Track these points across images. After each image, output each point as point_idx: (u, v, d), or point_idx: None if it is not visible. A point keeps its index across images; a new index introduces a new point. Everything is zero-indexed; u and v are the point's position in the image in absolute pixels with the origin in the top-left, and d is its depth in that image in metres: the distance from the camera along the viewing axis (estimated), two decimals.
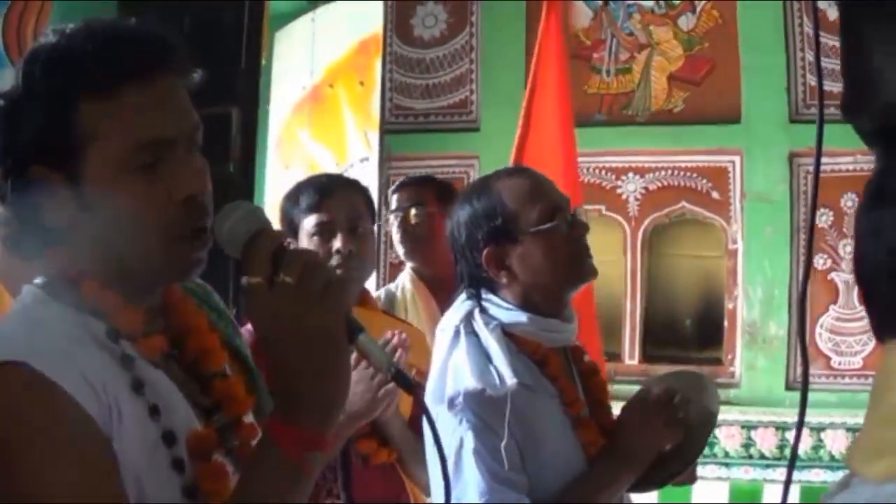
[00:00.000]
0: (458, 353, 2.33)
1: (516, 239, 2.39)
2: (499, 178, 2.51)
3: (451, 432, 2.25)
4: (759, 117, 5.67)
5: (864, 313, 1.00)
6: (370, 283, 4.97)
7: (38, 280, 1.46)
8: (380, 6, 5.84)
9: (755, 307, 5.66)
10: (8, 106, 1.40)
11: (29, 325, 1.40)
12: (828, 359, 5.53)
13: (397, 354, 2.47)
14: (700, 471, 2.67)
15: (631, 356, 5.90)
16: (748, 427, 5.51)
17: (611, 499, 2.38)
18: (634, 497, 2.56)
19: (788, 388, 5.55)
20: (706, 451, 2.54)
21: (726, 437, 5.50)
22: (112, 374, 1.37)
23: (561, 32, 4.82)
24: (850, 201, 5.39)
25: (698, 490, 5.19)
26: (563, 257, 2.40)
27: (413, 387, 1.46)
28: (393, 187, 4.20)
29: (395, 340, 2.46)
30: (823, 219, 5.49)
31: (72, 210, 1.39)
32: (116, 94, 1.37)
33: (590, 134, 5.93)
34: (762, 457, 5.50)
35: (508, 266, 2.40)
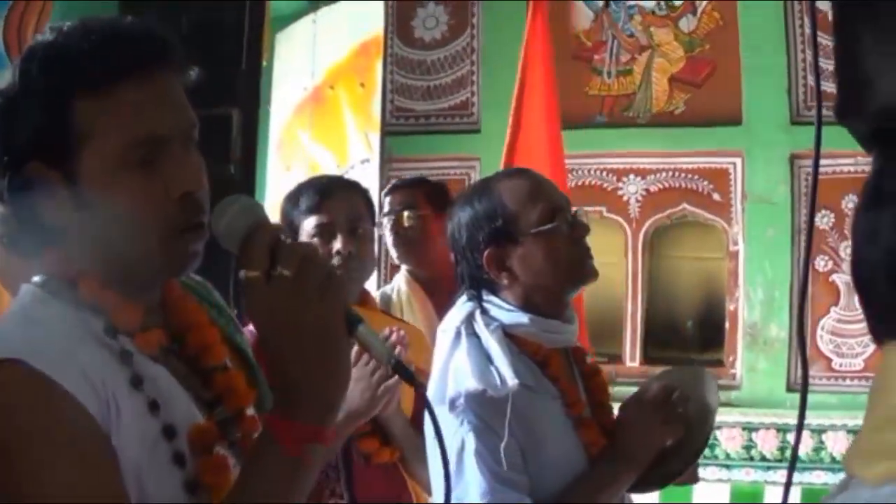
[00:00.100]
0: (460, 355, 2.33)
1: (517, 240, 2.39)
2: (499, 180, 2.51)
3: (453, 433, 2.25)
4: (760, 119, 5.67)
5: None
6: (370, 284, 4.98)
7: (36, 278, 1.46)
8: (381, 8, 5.84)
9: (756, 309, 5.66)
10: (5, 104, 1.40)
11: (27, 323, 1.41)
12: (829, 360, 5.53)
13: (396, 350, 2.47)
14: (701, 472, 2.67)
15: (632, 358, 5.90)
16: (749, 429, 5.51)
17: (611, 499, 2.38)
18: (636, 497, 2.56)
19: (789, 389, 5.55)
20: (707, 452, 2.54)
21: (727, 439, 5.50)
22: (111, 370, 1.37)
23: (547, 33, 4.84)
24: (850, 203, 5.39)
25: (699, 491, 5.19)
26: (563, 258, 2.40)
27: (414, 378, 1.45)
28: (385, 190, 4.20)
29: (393, 337, 2.46)
30: (824, 220, 5.49)
31: (69, 207, 1.40)
32: (113, 92, 1.38)
33: (591, 135, 5.94)
34: (763, 458, 5.50)
35: (509, 267, 2.40)
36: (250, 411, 1.54)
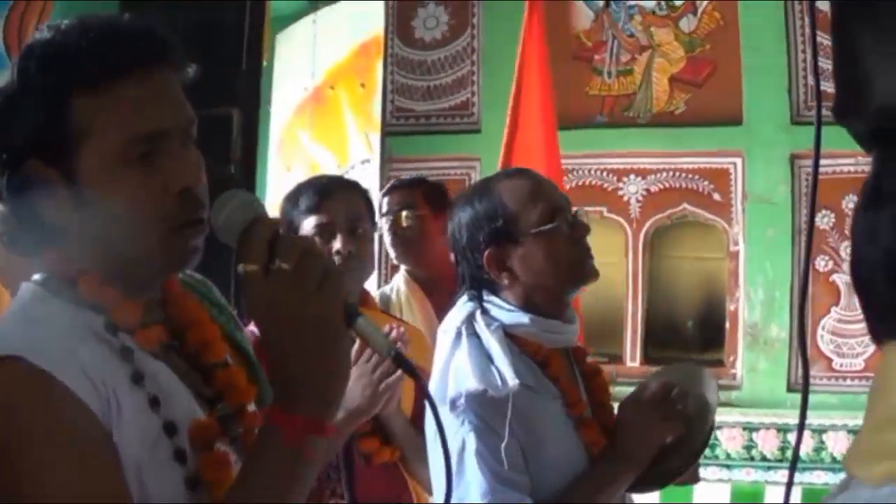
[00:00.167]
0: (460, 355, 2.33)
1: (517, 240, 2.39)
2: (499, 180, 2.51)
3: (454, 433, 2.25)
4: (761, 119, 5.67)
5: None
6: (371, 285, 4.98)
7: (36, 276, 1.46)
8: (381, 8, 5.84)
9: (756, 309, 5.66)
10: (3, 102, 1.41)
11: (27, 321, 1.41)
12: (829, 360, 5.53)
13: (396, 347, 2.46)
14: (702, 472, 2.67)
15: (632, 358, 5.90)
16: (750, 429, 5.51)
17: (611, 498, 2.38)
18: (637, 497, 2.56)
19: (790, 389, 5.55)
20: (707, 452, 2.53)
21: (728, 439, 5.50)
22: (111, 367, 1.37)
23: (543, 33, 4.87)
24: (851, 203, 5.38)
25: (700, 491, 5.19)
26: (564, 258, 2.40)
27: (414, 370, 1.45)
28: (383, 190, 4.20)
29: (393, 334, 2.46)
30: (825, 220, 5.49)
31: (68, 205, 1.40)
32: (111, 89, 1.38)
33: (591, 135, 5.95)
34: (763, 458, 5.50)
35: (509, 267, 2.40)
36: (251, 408, 1.54)
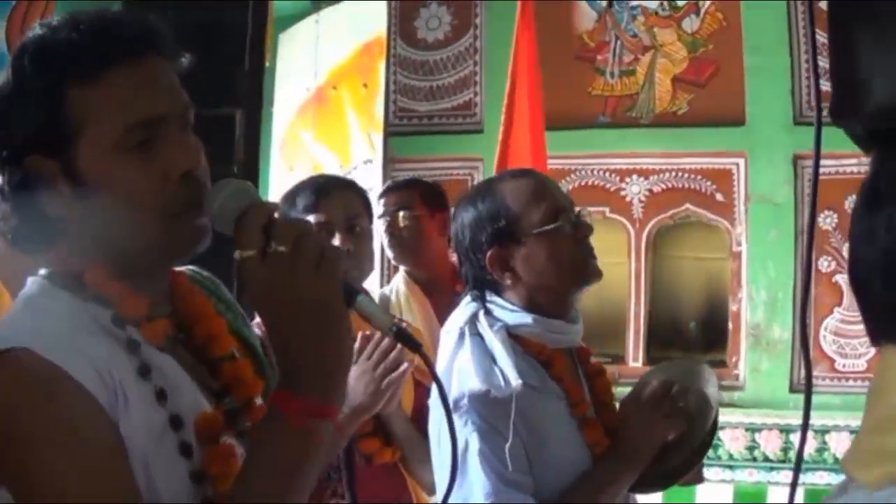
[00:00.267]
0: (463, 355, 2.33)
1: (520, 240, 2.39)
2: (502, 180, 2.51)
3: (457, 434, 2.25)
4: (764, 119, 5.67)
5: None
6: (372, 286, 4.98)
7: (42, 270, 1.46)
8: (383, 8, 5.83)
9: (759, 309, 5.66)
10: (0, 100, 1.41)
11: (34, 313, 1.41)
12: (832, 361, 5.53)
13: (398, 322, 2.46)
14: (705, 472, 2.67)
15: (635, 358, 5.90)
16: (752, 429, 5.51)
17: (614, 497, 2.38)
18: (640, 497, 2.56)
19: (792, 390, 5.56)
20: (710, 453, 2.53)
21: (730, 440, 5.50)
22: (118, 359, 1.37)
23: (533, 33, 4.90)
24: (854, 203, 5.39)
25: (703, 492, 5.19)
26: (567, 258, 2.40)
27: (418, 345, 1.45)
28: (380, 192, 4.20)
29: None
30: (827, 221, 5.49)
31: (70, 197, 1.40)
32: (104, 79, 1.38)
33: (594, 136, 5.95)
34: (766, 459, 5.50)
35: (512, 267, 2.40)
36: (258, 401, 1.54)
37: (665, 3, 5.97)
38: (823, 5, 1.08)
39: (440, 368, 2.36)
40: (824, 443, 5.35)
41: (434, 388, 2.32)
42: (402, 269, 4.05)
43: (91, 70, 1.38)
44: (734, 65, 5.77)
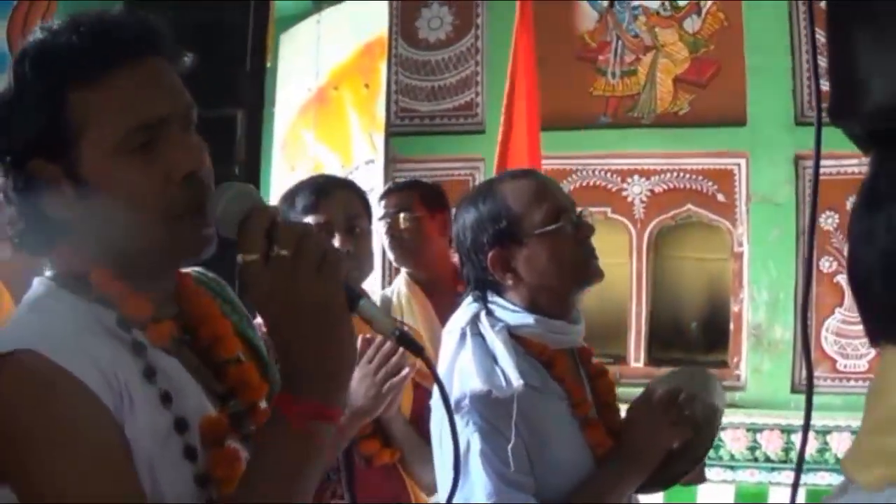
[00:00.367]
0: (465, 355, 2.33)
1: (521, 241, 2.39)
2: (503, 181, 2.51)
3: (458, 435, 2.24)
4: (765, 120, 5.67)
5: None
6: (374, 287, 4.97)
7: (48, 272, 1.46)
8: (385, 8, 5.83)
9: (761, 310, 5.65)
10: (2, 105, 1.41)
11: (40, 315, 1.41)
12: (833, 361, 5.53)
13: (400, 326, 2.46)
14: (706, 472, 2.67)
15: (636, 359, 5.90)
16: (754, 430, 5.51)
17: (619, 500, 2.38)
18: (642, 497, 2.56)
19: (794, 390, 5.55)
20: (711, 453, 2.53)
21: (732, 440, 5.49)
22: (124, 362, 1.37)
23: (531, 33, 4.91)
24: (853, 203, 5.38)
25: (704, 492, 5.18)
26: (568, 259, 2.40)
27: (420, 349, 1.45)
28: (380, 194, 4.21)
29: None
30: (829, 221, 5.49)
31: (73, 200, 1.40)
32: (105, 81, 1.38)
33: (595, 136, 5.94)
34: (767, 459, 5.49)
35: (514, 268, 2.40)
36: (263, 405, 1.54)
37: (666, 4, 5.96)
38: (824, 5, 1.08)
39: (442, 369, 2.36)
40: (826, 443, 5.34)
41: (435, 390, 2.33)
42: (403, 270, 4.06)
43: (92, 73, 1.38)
44: (736, 65, 5.76)
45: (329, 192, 2.77)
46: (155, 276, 1.47)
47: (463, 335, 2.37)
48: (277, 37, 6.03)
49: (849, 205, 5.40)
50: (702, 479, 2.60)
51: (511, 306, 2.40)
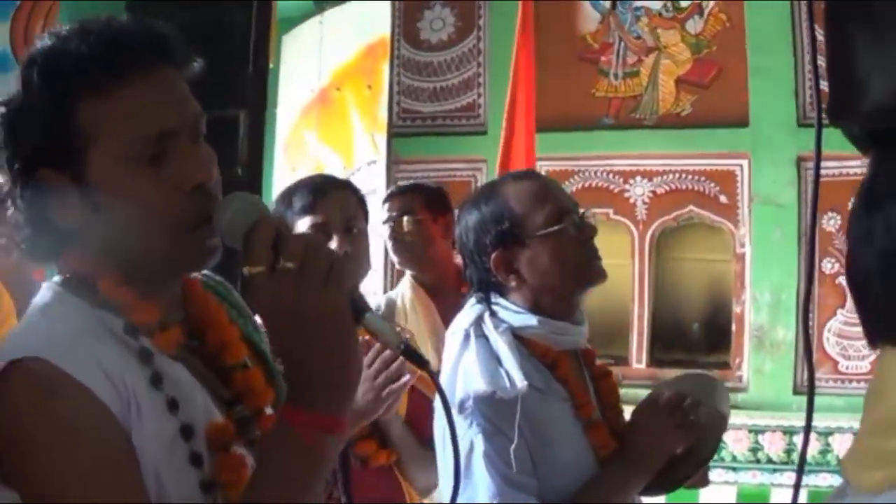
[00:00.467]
0: (468, 357, 2.33)
1: (524, 242, 2.39)
2: (506, 182, 2.51)
3: (462, 435, 2.25)
4: (767, 121, 5.67)
5: None
6: (377, 289, 4.97)
7: (56, 278, 1.46)
8: (387, 9, 5.84)
9: (763, 311, 5.65)
10: (10, 113, 1.41)
11: (48, 321, 1.41)
12: (835, 363, 5.53)
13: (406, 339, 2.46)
14: (709, 475, 2.67)
15: (638, 360, 5.90)
16: (756, 431, 5.51)
17: (622, 501, 2.38)
18: (645, 500, 2.56)
19: (796, 392, 5.55)
20: (712, 457, 2.53)
21: (734, 442, 5.49)
22: (131, 368, 1.37)
23: (531, 35, 4.91)
24: (852, 204, 5.38)
25: (706, 493, 5.18)
26: (571, 260, 2.40)
27: (425, 362, 1.45)
28: (383, 197, 4.22)
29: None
30: (831, 222, 5.49)
31: (81, 209, 1.40)
32: (115, 91, 1.38)
33: (597, 137, 5.95)
34: (769, 461, 5.50)
35: (517, 269, 2.40)
36: (269, 411, 1.54)
37: (668, 5, 5.97)
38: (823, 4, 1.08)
39: (445, 370, 2.36)
40: (828, 444, 5.34)
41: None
42: (408, 273, 4.06)
43: (102, 82, 1.37)
44: (738, 66, 5.76)
45: (326, 192, 2.76)
46: (160, 284, 1.47)
47: (467, 336, 2.36)
48: (280, 38, 6.03)
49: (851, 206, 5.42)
50: (705, 482, 2.60)
51: (514, 307, 2.40)
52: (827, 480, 5.26)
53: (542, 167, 5.53)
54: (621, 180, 5.98)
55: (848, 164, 4.92)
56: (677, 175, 5.89)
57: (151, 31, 1.43)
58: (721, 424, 2.45)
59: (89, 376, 1.31)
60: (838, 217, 5.47)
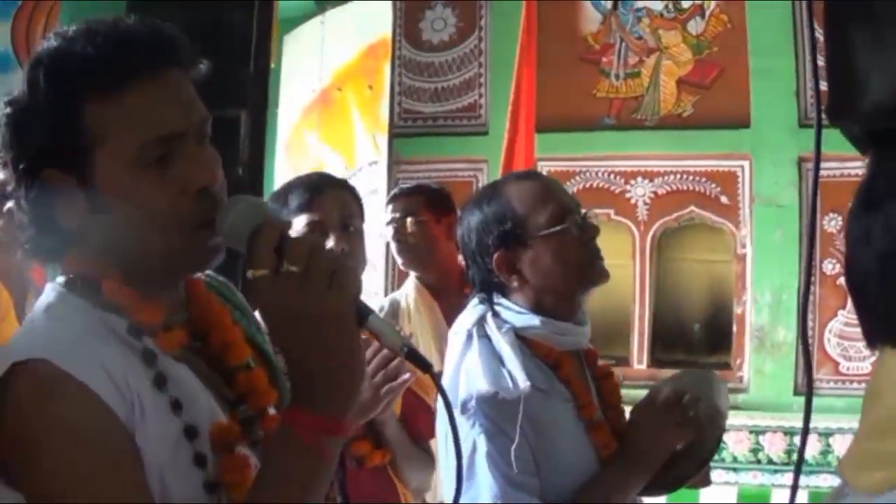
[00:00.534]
0: (471, 357, 2.33)
1: (526, 243, 2.39)
2: (508, 183, 2.51)
3: (464, 436, 2.25)
4: (768, 122, 5.67)
5: None
6: (379, 290, 4.98)
7: (60, 279, 1.46)
8: (389, 9, 5.84)
9: (764, 312, 5.65)
10: (16, 113, 1.41)
11: (52, 323, 1.41)
12: (836, 364, 5.53)
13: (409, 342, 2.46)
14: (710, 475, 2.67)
15: (639, 360, 5.90)
16: (756, 432, 5.51)
17: (623, 501, 2.38)
18: (645, 500, 2.56)
19: (796, 392, 5.55)
20: (714, 455, 2.53)
21: (735, 442, 5.49)
22: (135, 369, 1.37)
23: (534, 35, 4.92)
24: (851, 204, 5.37)
25: (706, 494, 5.18)
26: (573, 260, 2.40)
27: (429, 366, 1.46)
28: (387, 198, 4.22)
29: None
30: (832, 223, 5.49)
31: (86, 211, 1.40)
32: (122, 94, 1.38)
33: (598, 138, 5.95)
34: (770, 462, 5.50)
35: (519, 270, 2.40)
36: (272, 411, 1.54)
37: (670, 5, 5.97)
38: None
39: (448, 370, 2.36)
40: (828, 445, 5.34)
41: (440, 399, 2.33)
42: (412, 274, 4.07)
43: (109, 85, 1.37)
44: (739, 67, 5.76)
45: (323, 190, 2.75)
46: (163, 285, 1.47)
47: (469, 336, 2.36)
48: (281, 38, 6.02)
49: None
50: (707, 482, 2.60)
51: (517, 308, 2.40)
52: (827, 481, 5.26)
53: (543, 168, 5.55)
54: (622, 181, 5.98)
55: (849, 165, 4.92)
56: (678, 176, 5.90)
57: (158, 32, 1.42)
58: (720, 420, 2.44)
59: (93, 377, 1.31)
60: (839, 218, 5.46)
